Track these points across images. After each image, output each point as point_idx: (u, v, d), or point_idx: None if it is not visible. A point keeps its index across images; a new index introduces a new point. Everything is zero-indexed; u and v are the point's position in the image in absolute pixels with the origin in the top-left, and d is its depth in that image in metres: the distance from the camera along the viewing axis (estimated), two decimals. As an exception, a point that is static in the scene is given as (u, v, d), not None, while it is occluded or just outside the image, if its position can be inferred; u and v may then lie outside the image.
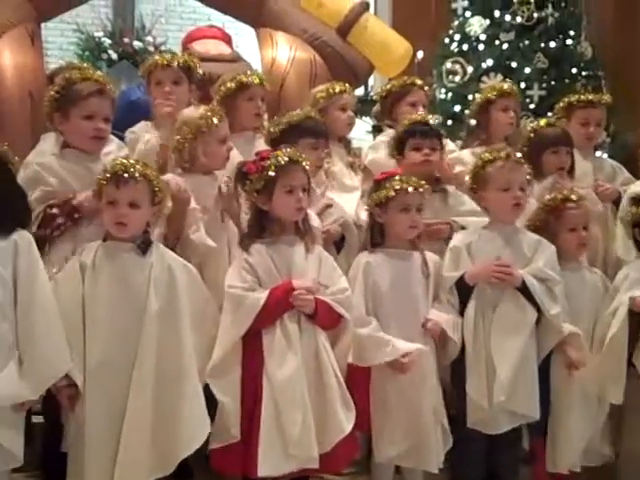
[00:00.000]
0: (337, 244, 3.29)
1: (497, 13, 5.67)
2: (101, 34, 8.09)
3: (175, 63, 3.39)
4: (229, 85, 3.47)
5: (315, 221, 3.00)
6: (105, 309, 2.56)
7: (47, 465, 2.86)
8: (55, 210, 2.78)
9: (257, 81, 3.51)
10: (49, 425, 2.60)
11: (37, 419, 2.86)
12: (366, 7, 5.04)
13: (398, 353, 2.81)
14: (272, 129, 3.39)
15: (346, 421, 2.71)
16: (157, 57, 3.43)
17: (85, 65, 3.05)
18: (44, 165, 2.88)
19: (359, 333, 2.83)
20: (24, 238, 2.52)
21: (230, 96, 3.46)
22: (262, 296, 2.67)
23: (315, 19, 4.96)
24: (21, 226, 2.54)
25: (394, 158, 3.45)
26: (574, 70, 5.62)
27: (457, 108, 5.54)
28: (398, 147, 3.43)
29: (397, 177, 2.99)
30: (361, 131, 5.35)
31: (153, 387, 2.54)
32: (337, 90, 3.74)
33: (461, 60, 5.73)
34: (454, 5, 5.97)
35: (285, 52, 4.86)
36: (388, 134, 3.76)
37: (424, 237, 3.09)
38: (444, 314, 2.96)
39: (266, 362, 2.67)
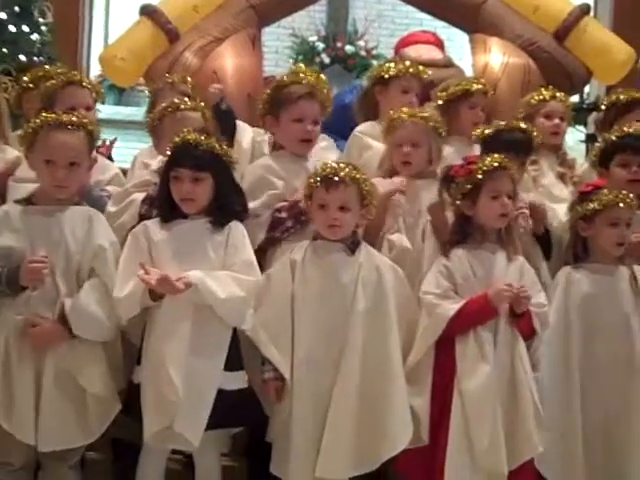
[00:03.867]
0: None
1: None
2: (315, 38, 8.34)
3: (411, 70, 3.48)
4: (453, 90, 3.48)
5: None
6: (313, 306, 2.62)
7: (251, 454, 2.95)
8: (283, 214, 2.86)
9: (481, 90, 3.50)
10: (255, 416, 2.69)
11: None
12: (586, 10, 4.85)
13: None
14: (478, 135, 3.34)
15: (539, 438, 2.61)
16: (402, 65, 3.50)
17: (304, 68, 3.10)
18: (268, 168, 2.98)
19: None
20: (237, 228, 2.65)
21: (452, 101, 3.47)
22: (454, 307, 2.64)
23: (531, 24, 4.83)
24: (237, 220, 2.68)
25: (596, 171, 3.23)
26: None
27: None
28: (603, 160, 3.18)
29: (605, 190, 2.84)
30: (574, 140, 5.16)
31: (358, 385, 2.57)
32: (543, 97, 3.62)
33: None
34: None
35: (498, 58, 4.78)
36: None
37: (630, 252, 2.90)
38: None
39: (458, 370, 2.64)
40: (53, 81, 3.20)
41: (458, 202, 2.77)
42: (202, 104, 3.19)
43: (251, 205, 2.81)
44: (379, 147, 3.26)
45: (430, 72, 3.70)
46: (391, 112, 3.14)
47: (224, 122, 3.41)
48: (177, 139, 2.65)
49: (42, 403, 2.50)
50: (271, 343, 2.59)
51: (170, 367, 2.45)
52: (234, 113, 3.47)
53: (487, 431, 2.56)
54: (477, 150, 3.24)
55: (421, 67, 3.58)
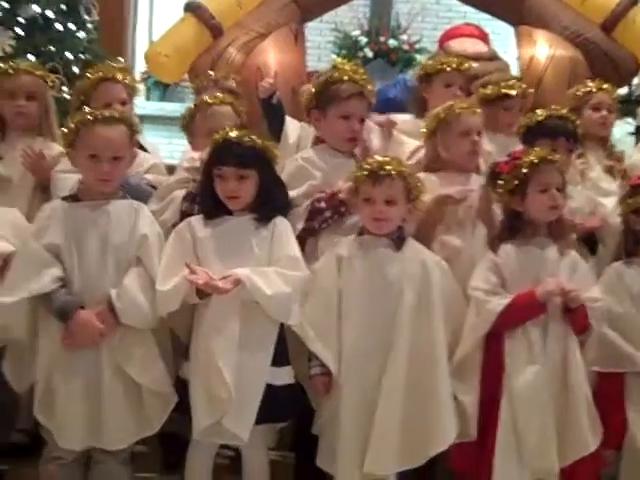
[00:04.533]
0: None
1: None
2: (358, 33, 8.31)
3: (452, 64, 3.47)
4: (490, 92, 3.48)
5: None
6: (360, 301, 2.62)
7: (298, 447, 2.98)
8: (322, 204, 2.85)
9: (519, 93, 3.50)
10: (301, 411, 2.70)
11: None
12: (635, 0, 4.77)
13: None
14: (518, 129, 3.31)
15: (592, 437, 2.58)
16: (445, 59, 3.50)
17: (351, 65, 3.09)
18: (309, 159, 2.98)
19: (610, 337, 2.70)
20: (282, 224, 2.66)
21: (489, 101, 3.46)
22: (502, 302, 2.62)
23: (578, 15, 4.77)
24: (281, 215, 2.69)
25: None
26: None
27: None
28: None
29: None
30: (623, 132, 5.08)
31: (404, 381, 2.57)
32: (589, 89, 3.58)
33: None
34: None
35: (544, 50, 4.73)
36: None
37: None
38: None
39: (506, 366, 2.62)
40: (88, 79, 3.24)
41: (506, 198, 2.74)
42: (235, 99, 3.21)
43: (290, 194, 2.82)
44: (412, 143, 3.26)
45: (475, 65, 3.68)
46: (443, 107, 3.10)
47: (273, 116, 3.42)
48: (217, 136, 2.65)
49: (103, 403, 2.52)
50: (318, 339, 2.59)
51: (220, 364, 2.46)
52: (283, 108, 3.48)
53: (536, 429, 2.55)
54: (520, 146, 3.22)
55: (464, 60, 3.56)
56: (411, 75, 3.70)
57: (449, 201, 2.84)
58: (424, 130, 3.05)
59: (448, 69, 3.46)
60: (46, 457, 2.66)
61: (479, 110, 3.06)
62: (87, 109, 2.68)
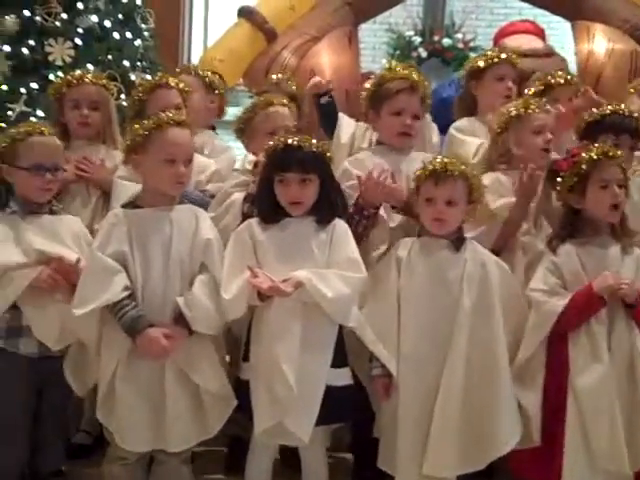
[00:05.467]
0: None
1: None
2: (412, 33, 8.28)
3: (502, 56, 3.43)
4: (534, 90, 3.41)
5: None
6: (419, 302, 2.61)
7: (357, 449, 2.98)
8: (352, 209, 2.82)
9: (562, 82, 3.42)
10: (360, 412, 2.70)
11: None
12: (697, -9, 4.66)
13: None
14: (579, 124, 3.25)
15: None
16: (492, 53, 3.45)
17: (403, 65, 3.09)
18: (354, 160, 3.00)
19: None
20: (341, 226, 2.67)
21: (538, 96, 3.38)
22: (561, 303, 2.58)
23: (637, 7, 4.67)
24: (338, 217, 2.69)
25: None
26: None
27: None
28: None
29: None
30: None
31: (464, 382, 2.54)
32: None
33: None
34: None
35: (602, 45, 4.65)
36: None
37: None
38: None
39: (571, 367, 2.57)
40: (143, 86, 3.29)
41: (565, 196, 2.70)
42: (295, 102, 3.22)
43: None
44: (473, 142, 3.23)
45: (528, 61, 3.62)
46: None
47: (325, 114, 3.41)
48: (274, 142, 2.65)
49: (165, 406, 2.54)
50: (378, 340, 2.59)
51: (284, 366, 2.47)
52: (336, 106, 3.47)
53: (605, 430, 2.49)
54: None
55: (513, 53, 3.52)
56: (459, 74, 3.64)
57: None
58: (495, 126, 3.02)
59: (497, 60, 3.41)
60: (110, 458, 2.70)
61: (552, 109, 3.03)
62: (160, 114, 2.68)
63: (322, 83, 3.48)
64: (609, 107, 3.12)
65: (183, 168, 2.63)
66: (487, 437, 2.54)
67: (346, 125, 3.41)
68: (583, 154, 2.67)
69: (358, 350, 2.64)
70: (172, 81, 3.28)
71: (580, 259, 2.64)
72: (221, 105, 3.59)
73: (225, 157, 3.43)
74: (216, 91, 3.63)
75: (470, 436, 2.54)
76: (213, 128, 3.62)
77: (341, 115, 3.44)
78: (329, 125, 3.41)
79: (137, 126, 2.66)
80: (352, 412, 2.65)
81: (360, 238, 2.78)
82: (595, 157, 2.64)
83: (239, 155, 3.50)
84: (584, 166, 2.64)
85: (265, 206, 2.67)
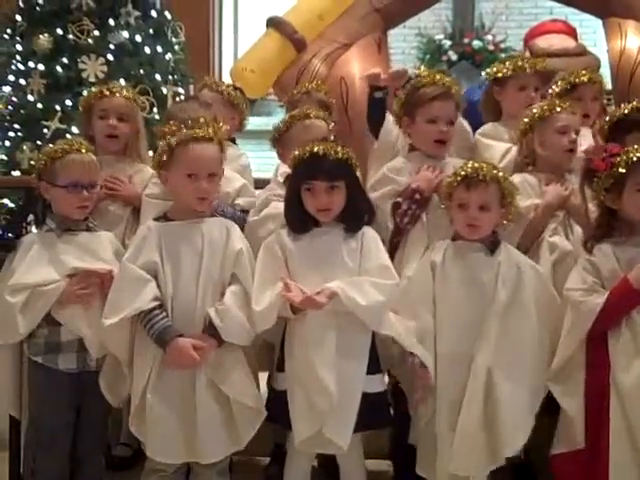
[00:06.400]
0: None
1: None
2: (441, 36, 8.24)
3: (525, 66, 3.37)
4: (557, 90, 3.39)
5: None
6: (454, 306, 2.61)
7: (396, 457, 2.97)
8: (398, 198, 2.87)
9: (586, 80, 3.38)
10: (397, 418, 2.69)
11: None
12: None
13: None
14: (603, 124, 3.20)
15: None
16: (515, 63, 3.40)
17: (435, 70, 3.07)
18: (393, 168, 2.99)
19: None
20: (370, 234, 2.67)
21: (562, 96, 3.34)
22: (599, 302, 2.53)
23: (670, 3, 4.59)
24: (367, 224, 2.70)
25: None
26: None
27: None
28: None
29: None
30: None
31: (485, 381, 2.54)
32: None
33: None
34: None
35: (635, 42, 4.56)
36: None
37: None
38: None
39: (612, 365, 2.52)
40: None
41: (602, 196, 2.66)
42: (327, 110, 3.21)
43: (373, 195, 2.85)
44: (499, 146, 3.20)
45: (560, 61, 3.57)
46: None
47: (375, 108, 3.35)
48: (300, 151, 2.65)
49: (197, 418, 2.55)
50: (417, 345, 2.58)
51: (322, 374, 2.48)
52: (386, 105, 3.43)
53: None
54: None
55: (537, 60, 3.47)
56: (483, 78, 3.58)
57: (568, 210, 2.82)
58: (520, 127, 3.01)
59: (517, 70, 3.34)
60: (148, 470, 2.72)
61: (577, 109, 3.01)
62: (185, 130, 2.69)
63: (381, 77, 3.43)
64: (630, 105, 3.08)
65: (205, 184, 2.64)
66: (498, 434, 2.53)
67: (392, 127, 3.38)
68: (622, 155, 2.61)
69: (389, 355, 2.65)
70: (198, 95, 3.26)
71: (617, 258, 2.60)
72: (241, 119, 3.59)
73: (239, 163, 3.41)
74: (237, 104, 3.62)
75: (490, 433, 2.53)
76: (233, 140, 3.62)
77: (389, 116, 3.41)
78: (374, 120, 3.33)
79: (163, 142, 2.69)
80: (387, 418, 2.66)
81: (400, 233, 2.81)
82: (633, 159, 2.59)
83: (252, 159, 3.52)
84: (622, 168, 2.60)
85: (294, 216, 2.68)
